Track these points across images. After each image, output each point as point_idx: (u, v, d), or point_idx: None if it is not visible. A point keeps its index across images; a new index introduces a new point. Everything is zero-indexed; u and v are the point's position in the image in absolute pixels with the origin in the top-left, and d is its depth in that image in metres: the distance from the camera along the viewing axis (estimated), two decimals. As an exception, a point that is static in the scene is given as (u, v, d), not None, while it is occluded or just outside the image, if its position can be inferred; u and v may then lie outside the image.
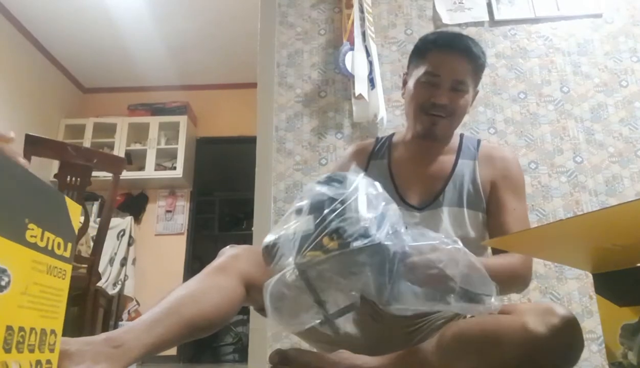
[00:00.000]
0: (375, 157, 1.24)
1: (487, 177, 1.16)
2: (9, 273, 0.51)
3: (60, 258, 0.61)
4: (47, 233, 0.58)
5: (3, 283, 0.50)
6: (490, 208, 1.14)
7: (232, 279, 0.90)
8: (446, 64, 1.11)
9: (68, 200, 0.64)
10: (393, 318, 0.92)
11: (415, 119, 1.17)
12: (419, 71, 1.14)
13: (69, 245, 0.63)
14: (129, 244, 4.13)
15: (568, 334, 0.77)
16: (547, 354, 0.76)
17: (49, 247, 0.59)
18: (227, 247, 0.98)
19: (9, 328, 0.51)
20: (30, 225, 0.55)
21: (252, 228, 2.10)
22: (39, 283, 0.56)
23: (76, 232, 0.65)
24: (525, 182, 2.07)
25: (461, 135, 1.26)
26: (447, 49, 1.11)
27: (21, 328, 0.52)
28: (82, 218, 1.87)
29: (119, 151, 4.31)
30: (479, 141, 1.25)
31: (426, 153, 1.20)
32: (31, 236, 0.55)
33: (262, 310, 0.98)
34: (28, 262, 0.55)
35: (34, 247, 0.56)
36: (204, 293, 0.86)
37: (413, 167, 1.19)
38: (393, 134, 1.32)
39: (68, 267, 0.62)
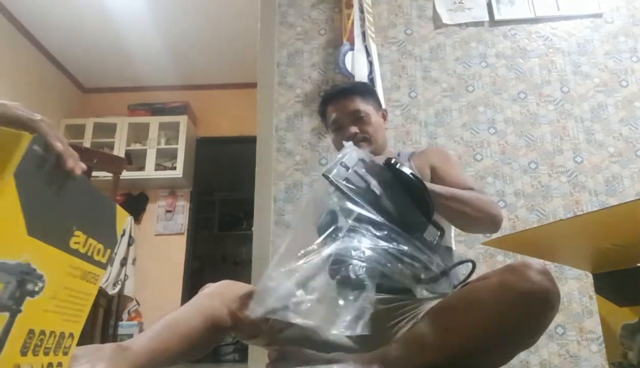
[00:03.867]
0: None
1: (423, 164, 1.30)
2: (44, 280, 0.51)
3: (97, 263, 0.60)
4: (90, 240, 0.58)
5: (37, 288, 0.50)
6: (442, 184, 1.23)
7: (218, 303, 1.00)
8: (337, 109, 1.38)
9: (118, 209, 0.64)
10: (375, 315, 0.96)
11: None
12: (329, 126, 1.44)
13: (108, 251, 0.63)
14: (129, 244, 4.11)
15: (544, 283, 0.80)
16: (527, 305, 0.80)
17: (89, 253, 0.58)
18: (208, 284, 1.09)
19: (31, 332, 0.50)
20: (77, 232, 0.55)
21: (252, 228, 2.10)
22: (69, 288, 0.56)
23: (119, 238, 0.65)
24: (526, 182, 2.09)
25: (399, 152, 1.47)
26: (331, 100, 1.41)
27: (42, 332, 0.52)
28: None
29: (119, 151, 4.31)
30: (413, 151, 1.46)
31: None
32: (75, 242, 0.55)
33: (248, 338, 1.09)
34: (65, 268, 0.54)
35: (75, 253, 0.55)
36: (194, 313, 0.96)
37: None
38: None
39: (101, 272, 0.62)
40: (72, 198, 0.55)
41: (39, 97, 4.18)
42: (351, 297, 0.80)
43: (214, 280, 1.09)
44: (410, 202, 0.92)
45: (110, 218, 0.63)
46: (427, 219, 0.92)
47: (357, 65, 2.16)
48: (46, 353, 0.54)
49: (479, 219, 1.11)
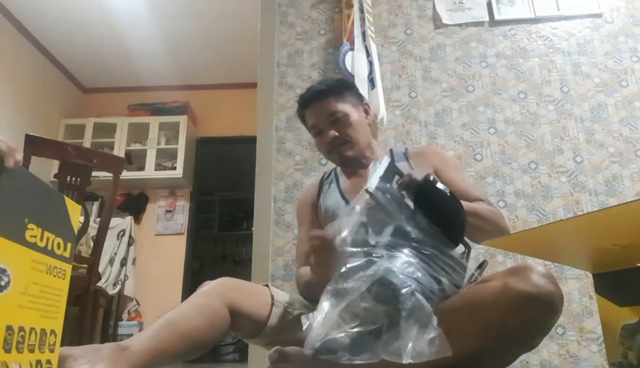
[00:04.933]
0: (326, 183, 1.45)
1: (424, 167, 1.29)
2: (8, 273, 0.51)
3: (60, 258, 0.61)
4: (46, 233, 0.58)
5: (3, 283, 0.50)
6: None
7: (216, 302, 1.00)
8: (314, 113, 1.34)
9: (67, 200, 0.64)
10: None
11: (332, 161, 1.42)
12: (309, 130, 1.41)
13: (69, 245, 0.63)
14: (129, 244, 4.13)
15: (547, 287, 0.81)
16: (530, 308, 0.80)
17: (49, 247, 0.58)
18: (206, 282, 1.09)
19: (9, 328, 0.51)
20: (30, 225, 0.55)
21: (252, 228, 2.10)
22: (38, 283, 0.56)
23: (76, 232, 0.65)
24: (526, 182, 2.09)
25: (390, 150, 1.44)
26: (307, 104, 1.36)
27: (21, 328, 0.52)
28: (82, 218, 1.87)
29: (119, 151, 4.31)
30: (406, 148, 1.43)
31: (363, 170, 1.37)
32: (31, 236, 0.55)
33: (248, 337, 1.10)
34: (28, 262, 0.54)
35: (33, 247, 0.55)
36: (192, 312, 0.96)
37: (356, 181, 1.35)
38: (336, 167, 1.49)
39: (68, 267, 0.62)
40: (18, 192, 0.55)
41: (39, 97, 4.18)
42: (415, 323, 0.78)
43: (214, 280, 1.09)
44: (445, 219, 0.92)
45: (62, 211, 0.63)
46: (460, 236, 0.92)
47: (357, 65, 2.16)
48: (31, 351, 0.54)
49: (491, 232, 1.14)
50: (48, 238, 0.58)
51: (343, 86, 1.40)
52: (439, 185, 0.92)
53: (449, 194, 0.92)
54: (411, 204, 0.93)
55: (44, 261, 0.57)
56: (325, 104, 1.32)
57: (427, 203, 0.92)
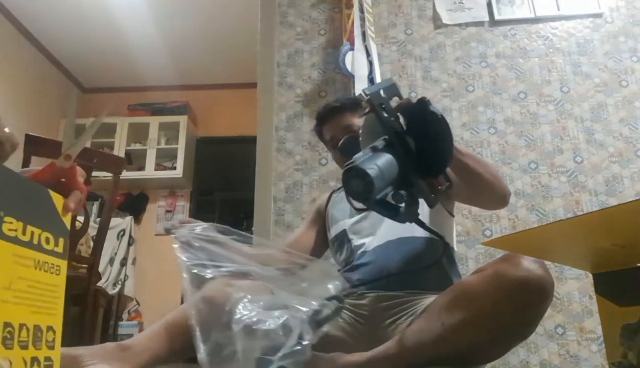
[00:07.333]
0: (336, 193, 1.53)
1: None
2: None
3: (52, 253, 0.59)
4: (30, 227, 0.56)
5: None
6: None
7: (219, 301, 0.99)
8: (331, 128, 1.42)
9: (54, 195, 0.62)
10: (374, 313, 1.00)
11: None
12: (327, 144, 1.49)
13: (61, 240, 0.61)
14: (129, 244, 4.13)
15: (538, 271, 0.82)
16: (522, 294, 0.81)
17: (35, 241, 0.57)
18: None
19: None
20: (7, 219, 0.54)
21: (252, 228, 2.10)
22: (25, 278, 0.54)
23: (68, 227, 0.63)
24: (526, 182, 2.09)
25: None
26: (324, 120, 1.45)
27: (8, 324, 0.51)
28: (82, 218, 1.87)
29: (119, 151, 4.31)
30: None
31: None
32: (9, 229, 0.53)
33: None
34: (9, 256, 0.53)
35: (14, 240, 0.54)
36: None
37: None
38: None
39: (62, 263, 0.61)
40: None
41: (39, 97, 4.18)
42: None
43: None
44: (433, 144, 0.91)
45: (48, 205, 0.61)
46: (443, 164, 0.92)
47: (357, 65, 2.16)
48: (23, 347, 0.52)
49: (491, 184, 1.10)
50: (33, 233, 0.56)
51: (356, 103, 1.50)
52: (435, 110, 0.92)
53: (440, 117, 0.92)
54: (403, 123, 0.94)
55: (29, 255, 0.55)
56: (342, 119, 1.40)
57: (419, 126, 0.92)
